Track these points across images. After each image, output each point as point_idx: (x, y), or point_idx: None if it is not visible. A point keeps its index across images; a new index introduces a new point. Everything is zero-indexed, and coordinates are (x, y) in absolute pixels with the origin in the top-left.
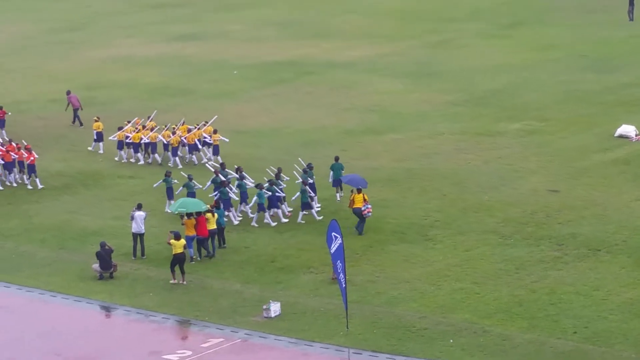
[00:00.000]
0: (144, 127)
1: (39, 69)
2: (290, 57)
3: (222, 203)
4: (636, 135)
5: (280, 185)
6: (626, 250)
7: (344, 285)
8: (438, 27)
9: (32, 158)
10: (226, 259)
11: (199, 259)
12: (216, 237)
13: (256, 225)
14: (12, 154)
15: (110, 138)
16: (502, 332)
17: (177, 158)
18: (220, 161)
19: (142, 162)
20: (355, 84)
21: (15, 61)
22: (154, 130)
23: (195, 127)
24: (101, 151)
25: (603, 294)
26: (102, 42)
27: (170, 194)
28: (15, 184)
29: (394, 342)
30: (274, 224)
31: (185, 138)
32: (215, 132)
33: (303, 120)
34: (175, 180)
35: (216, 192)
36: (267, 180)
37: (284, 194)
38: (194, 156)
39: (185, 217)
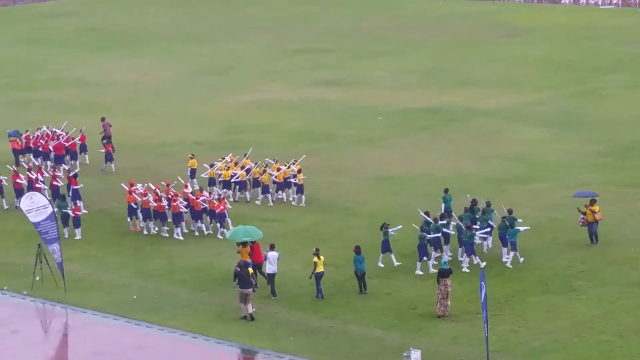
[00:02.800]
0: (236, 164)
1: (184, 112)
2: (433, 104)
3: (466, 246)
4: None
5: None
6: None
7: (486, 334)
8: (583, 77)
9: (221, 207)
10: (367, 305)
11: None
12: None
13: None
14: (203, 203)
15: (202, 175)
16: None
17: (268, 195)
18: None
19: (231, 199)
20: (498, 132)
21: (161, 104)
22: (244, 169)
23: (285, 166)
24: (196, 187)
25: None
26: (245, 86)
27: (384, 246)
28: (202, 233)
29: None
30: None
31: (275, 176)
32: (299, 171)
33: (445, 168)
34: (392, 232)
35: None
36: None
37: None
38: (283, 194)
39: (241, 246)
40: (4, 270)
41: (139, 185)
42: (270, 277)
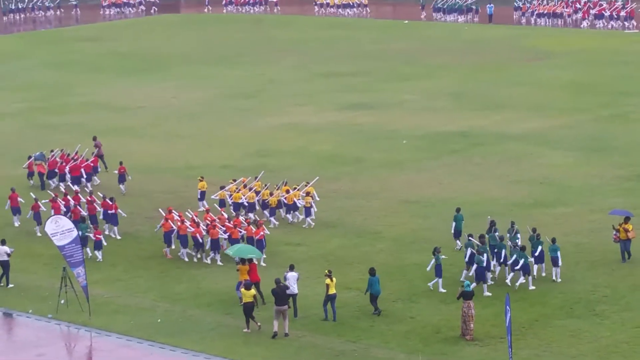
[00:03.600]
0: (245, 186)
1: (212, 135)
2: (462, 128)
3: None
4: None
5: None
6: None
7: (510, 358)
8: (610, 101)
9: (261, 233)
10: (391, 329)
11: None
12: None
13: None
14: (240, 229)
15: (213, 197)
16: None
17: (273, 218)
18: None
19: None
20: (526, 156)
21: (188, 127)
22: (252, 190)
23: (295, 188)
24: (202, 209)
25: None
26: (274, 109)
27: (438, 271)
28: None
29: None
30: None
31: (285, 198)
32: (308, 194)
33: (472, 192)
34: (444, 256)
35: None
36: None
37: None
38: (289, 216)
39: (240, 264)
40: (29, 294)
41: (175, 213)
42: (290, 298)
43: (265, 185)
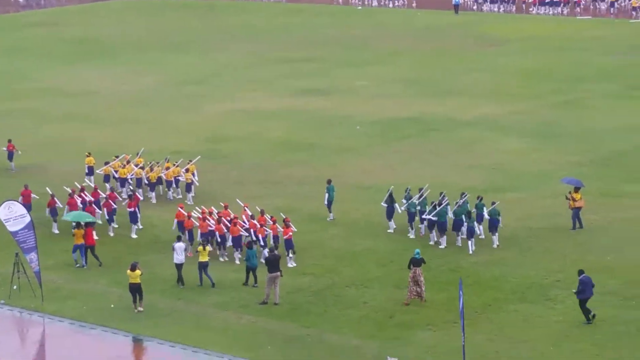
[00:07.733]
0: (128, 162)
1: (164, 121)
2: (415, 114)
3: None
4: None
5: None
6: None
7: (463, 343)
8: (565, 87)
9: (289, 233)
10: (344, 314)
11: (84, 265)
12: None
13: None
14: (266, 227)
15: (98, 171)
16: None
17: (154, 193)
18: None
19: (125, 195)
20: (479, 142)
21: (141, 113)
22: (138, 167)
23: (174, 165)
24: (92, 184)
25: None
26: (227, 95)
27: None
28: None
29: None
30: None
31: (164, 174)
32: (187, 170)
33: (425, 178)
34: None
35: None
36: None
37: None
38: (170, 192)
39: (75, 228)
40: None
41: (197, 210)
42: (178, 267)
43: (150, 162)
